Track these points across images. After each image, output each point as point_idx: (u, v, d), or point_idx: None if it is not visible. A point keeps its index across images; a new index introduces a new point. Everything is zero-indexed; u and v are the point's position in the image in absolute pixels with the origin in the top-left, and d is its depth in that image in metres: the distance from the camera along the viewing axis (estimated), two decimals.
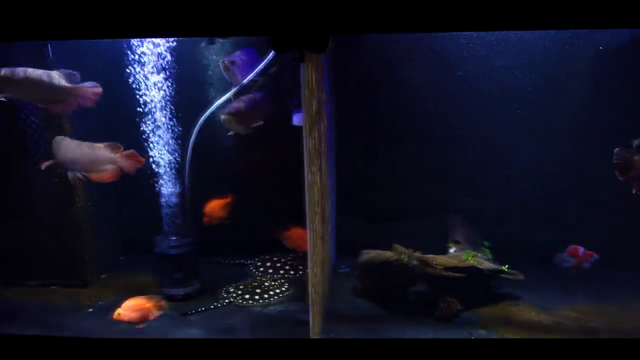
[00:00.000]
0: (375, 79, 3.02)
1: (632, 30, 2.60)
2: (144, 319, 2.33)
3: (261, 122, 2.71)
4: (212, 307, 2.73)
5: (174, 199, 2.77)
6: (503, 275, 2.67)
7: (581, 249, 2.62)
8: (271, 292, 2.85)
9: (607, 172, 2.50)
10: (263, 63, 2.59)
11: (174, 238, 2.80)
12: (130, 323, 2.32)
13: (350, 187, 3.14)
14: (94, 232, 3.04)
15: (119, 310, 2.30)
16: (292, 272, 3.06)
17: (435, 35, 2.87)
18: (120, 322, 2.30)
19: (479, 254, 2.73)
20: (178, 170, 2.77)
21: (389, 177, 3.16)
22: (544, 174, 3.02)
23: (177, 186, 2.78)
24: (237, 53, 2.64)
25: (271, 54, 2.51)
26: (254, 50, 2.69)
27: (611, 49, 2.69)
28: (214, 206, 2.80)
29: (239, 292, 2.86)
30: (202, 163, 2.96)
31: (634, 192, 2.36)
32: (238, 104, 2.64)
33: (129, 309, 2.31)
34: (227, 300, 2.79)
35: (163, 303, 2.41)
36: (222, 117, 2.61)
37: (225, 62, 2.60)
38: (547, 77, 2.82)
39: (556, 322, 2.57)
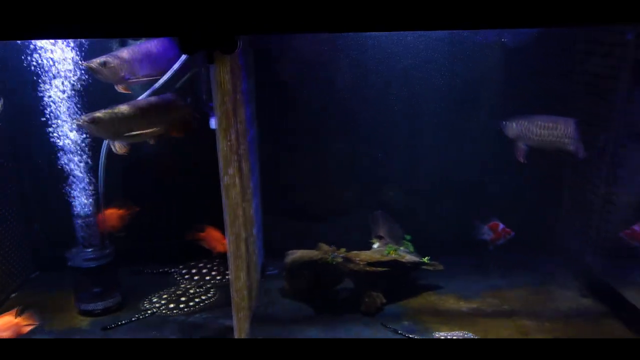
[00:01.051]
0: (296, 79, 3.02)
1: (533, 30, 2.77)
2: (17, 334, 2.21)
3: (151, 130, 2.32)
4: (133, 319, 2.62)
5: (87, 209, 2.63)
6: (424, 267, 2.77)
7: (501, 225, 2.78)
8: (197, 300, 2.78)
9: (515, 162, 2.68)
10: (177, 63, 2.49)
11: (90, 250, 2.66)
12: None
13: (276, 188, 3.12)
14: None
15: None
16: (219, 278, 3.00)
17: (354, 36, 2.91)
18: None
19: (401, 248, 2.81)
20: (92, 177, 2.63)
21: (314, 176, 3.18)
22: (460, 166, 3.15)
23: (91, 194, 2.63)
24: (127, 48, 2.36)
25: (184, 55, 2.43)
26: (167, 41, 2.43)
27: (513, 47, 2.85)
28: (110, 215, 2.68)
29: (163, 301, 2.77)
30: (119, 168, 2.84)
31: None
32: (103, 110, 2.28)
33: None
34: (149, 311, 2.69)
35: (32, 315, 2.29)
36: (79, 123, 2.25)
37: (91, 65, 2.22)
38: (455, 74, 2.94)
39: (475, 309, 2.70)
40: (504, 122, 2.73)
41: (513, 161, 2.74)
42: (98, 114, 2.26)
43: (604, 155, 2.76)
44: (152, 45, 2.42)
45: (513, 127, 2.70)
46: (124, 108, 2.31)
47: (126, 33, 1.87)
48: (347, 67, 3.01)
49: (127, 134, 2.29)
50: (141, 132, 2.29)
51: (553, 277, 2.95)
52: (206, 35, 1.82)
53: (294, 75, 3.01)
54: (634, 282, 2.62)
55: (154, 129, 2.33)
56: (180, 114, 2.51)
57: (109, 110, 2.28)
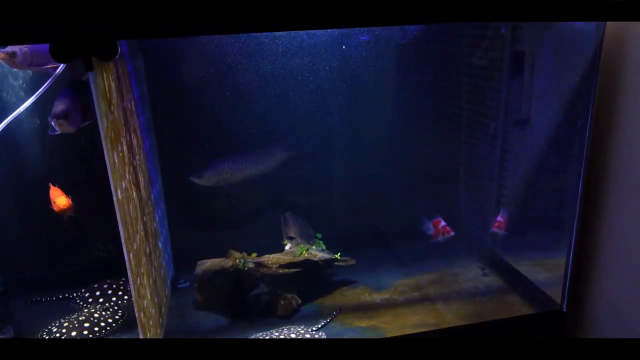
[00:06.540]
0: (194, 83, 2.91)
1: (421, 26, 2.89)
2: None
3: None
4: None
5: None
6: (337, 263, 2.80)
7: (442, 223, 2.79)
8: (103, 324, 2.60)
9: (417, 157, 2.75)
10: (59, 69, 2.31)
11: None
12: None
13: (182, 198, 3.00)
14: None
15: None
16: (126, 298, 2.83)
17: (254, 36, 2.86)
18: None
19: (313, 247, 2.81)
20: None
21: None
22: (363, 164, 3.23)
23: None
24: None
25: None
26: None
27: (403, 44, 2.95)
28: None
29: (64, 330, 2.55)
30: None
31: None
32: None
33: None
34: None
35: None
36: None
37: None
38: (354, 73, 2.98)
39: (388, 298, 2.77)
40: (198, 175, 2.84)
41: (417, 155, 2.85)
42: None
43: (494, 142, 2.96)
44: None
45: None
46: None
47: None
48: (249, 69, 2.95)
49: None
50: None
51: (458, 261, 3.11)
52: (81, 40, 1.69)
53: (192, 79, 2.90)
54: (526, 257, 2.84)
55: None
56: None
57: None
